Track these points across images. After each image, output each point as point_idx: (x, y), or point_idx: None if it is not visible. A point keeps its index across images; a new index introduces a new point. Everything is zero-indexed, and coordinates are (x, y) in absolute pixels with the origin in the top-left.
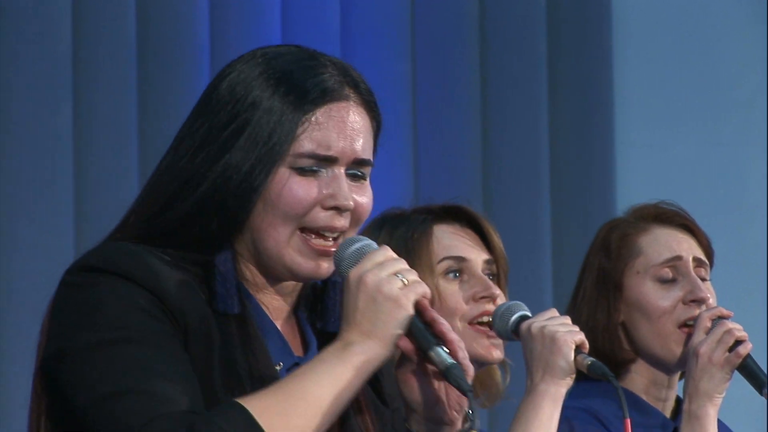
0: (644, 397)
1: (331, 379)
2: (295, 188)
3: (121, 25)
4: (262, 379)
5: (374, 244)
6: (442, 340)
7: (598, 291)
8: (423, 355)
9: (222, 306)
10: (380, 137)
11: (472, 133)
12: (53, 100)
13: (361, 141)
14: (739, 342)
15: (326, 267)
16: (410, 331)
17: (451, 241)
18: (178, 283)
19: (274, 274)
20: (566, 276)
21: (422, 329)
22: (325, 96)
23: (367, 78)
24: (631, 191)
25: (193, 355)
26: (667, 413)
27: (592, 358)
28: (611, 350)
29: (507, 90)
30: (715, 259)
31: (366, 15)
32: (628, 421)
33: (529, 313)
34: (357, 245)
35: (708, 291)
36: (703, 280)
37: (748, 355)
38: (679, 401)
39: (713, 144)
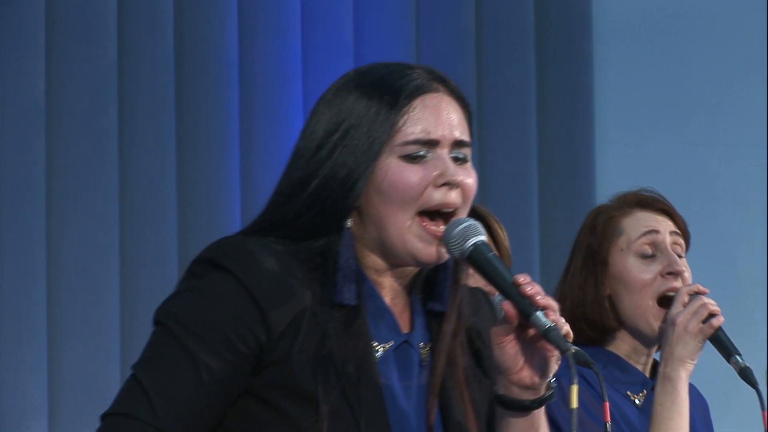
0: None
1: None
2: (407, 173)
3: (159, 38)
4: (358, 369)
5: (478, 224)
6: (538, 306)
7: (587, 267)
8: (525, 319)
9: (339, 298)
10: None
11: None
12: (100, 104)
13: (458, 125)
14: (712, 315)
15: (445, 252)
16: (513, 298)
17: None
18: (284, 278)
19: (396, 261)
20: (553, 264)
21: (523, 297)
22: (417, 90)
23: None
24: (611, 187)
25: (278, 349)
26: (646, 374)
27: (575, 347)
28: (600, 320)
29: (499, 96)
30: (688, 255)
31: (377, 33)
32: (607, 404)
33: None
34: (463, 224)
35: (684, 266)
36: (680, 257)
37: (720, 328)
38: (655, 364)
39: (686, 144)
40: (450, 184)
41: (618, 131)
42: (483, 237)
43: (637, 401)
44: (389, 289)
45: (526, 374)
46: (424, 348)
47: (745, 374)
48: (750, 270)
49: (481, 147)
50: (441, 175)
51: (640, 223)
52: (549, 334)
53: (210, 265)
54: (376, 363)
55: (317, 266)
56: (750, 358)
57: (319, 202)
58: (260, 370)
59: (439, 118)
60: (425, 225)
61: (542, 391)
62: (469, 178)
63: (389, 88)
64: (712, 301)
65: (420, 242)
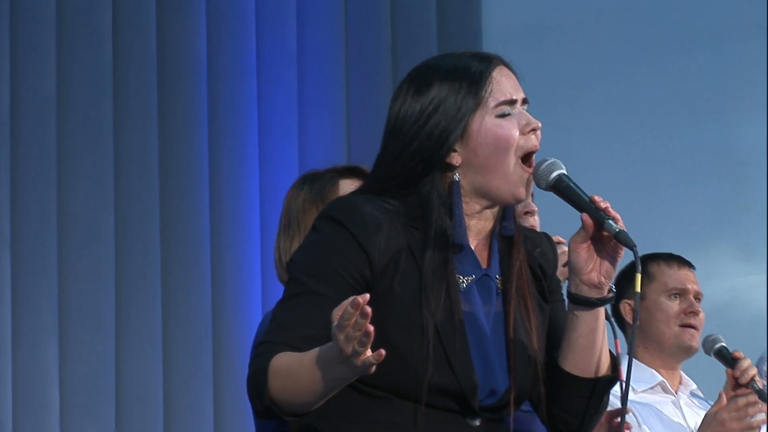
0: None
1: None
2: (506, 126)
3: (144, 44)
4: (449, 291)
5: (558, 160)
6: (610, 216)
7: None
8: (600, 226)
9: (458, 239)
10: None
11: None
12: (98, 97)
13: (520, 87)
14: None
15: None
16: (590, 211)
17: (351, 190)
18: (383, 226)
19: (494, 202)
20: None
21: (598, 210)
22: (490, 66)
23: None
24: None
25: (382, 282)
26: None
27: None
28: None
29: None
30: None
31: (313, 40)
32: (618, 341)
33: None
34: (547, 161)
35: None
36: (531, 211)
37: None
38: None
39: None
40: (534, 130)
41: None
42: (564, 169)
43: None
44: (474, 231)
45: (595, 275)
46: (499, 279)
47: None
48: None
49: None
50: (527, 124)
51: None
52: (619, 236)
53: (328, 220)
54: (460, 293)
55: (415, 217)
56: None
57: (420, 156)
58: (370, 300)
59: (512, 83)
60: (523, 167)
61: (605, 292)
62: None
63: (467, 69)
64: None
65: (520, 181)
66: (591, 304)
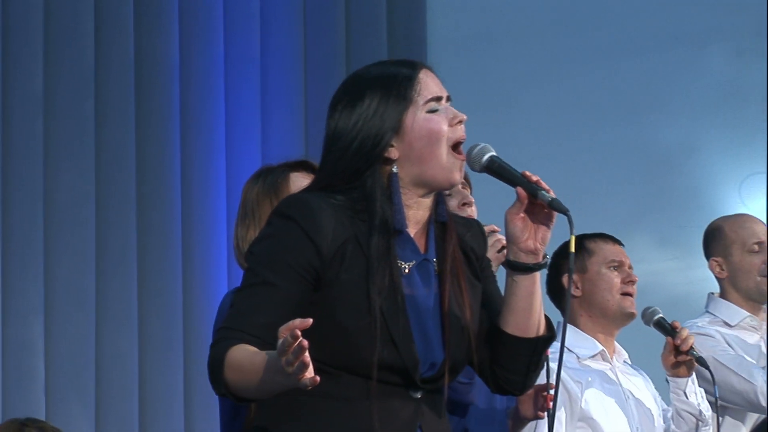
0: None
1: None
2: (436, 120)
3: (122, 49)
4: (392, 276)
5: (487, 144)
6: (542, 187)
7: None
8: (533, 197)
9: (399, 225)
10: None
11: None
12: (81, 95)
13: (442, 85)
14: (504, 248)
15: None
16: (523, 185)
17: (302, 183)
18: (331, 219)
19: (431, 189)
20: None
21: (530, 183)
22: (416, 69)
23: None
24: None
25: (331, 269)
26: None
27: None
28: None
29: None
30: None
31: (275, 46)
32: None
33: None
34: (478, 147)
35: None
36: (468, 203)
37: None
38: None
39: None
40: (461, 121)
41: None
42: (494, 152)
43: None
44: (413, 221)
45: (531, 242)
46: (435, 262)
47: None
48: None
49: None
50: (454, 117)
51: None
52: (553, 203)
53: (281, 216)
54: (402, 277)
55: (360, 209)
56: None
57: (360, 154)
58: (320, 287)
59: (436, 83)
60: (455, 154)
61: (540, 258)
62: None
63: (396, 74)
64: (502, 238)
65: (453, 167)
66: (529, 269)
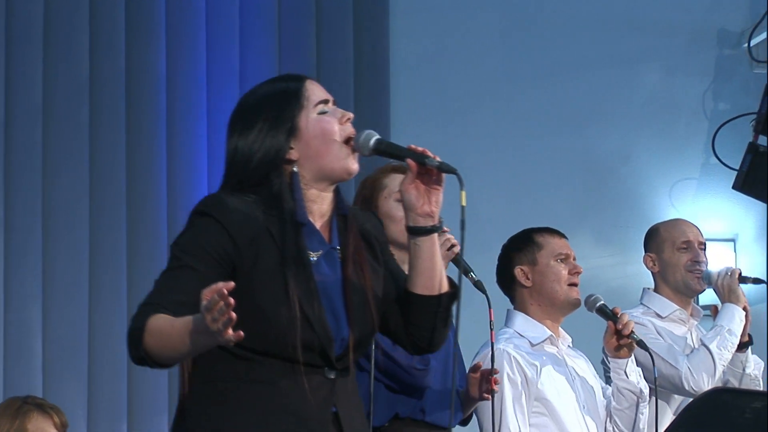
0: None
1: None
2: (327, 119)
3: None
4: (303, 265)
5: (371, 130)
6: (427, 155)
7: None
8: (422, 165)
9: (300, 218)
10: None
11: None
12: (76, 103)
13: (325, 90)
14: (453, 245)
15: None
16: (411, 155)
17: None
18: (243, 213)
19: (332, 181)
20: None
21: (417, 153)
22: (301, 79)
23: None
24: None
25: (246, 258)
26: None
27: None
28: None
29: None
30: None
31: (255, 59)
32: (491, 310)
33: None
34: (363, 134)
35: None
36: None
37: (457, 254)
38: None
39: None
40: (349, 119)
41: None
42: (378, 135)
43: None
44: (318, 214)
45: (426, 206)
46: (339, 250)
47: (479, 287)
48: None
49: None
50: (343, 116)
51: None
52: (441, 167)
53: (199, 214)
54: (312, 266)
55: (272, 206)
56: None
57: (264, 162)
58: (237, 276)
59: (321, 89)
60: (347, 147)
61: (436, 221)
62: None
63: (285, 87)
64: (452, 237)
65: (348, 158)
66: (427, 231)
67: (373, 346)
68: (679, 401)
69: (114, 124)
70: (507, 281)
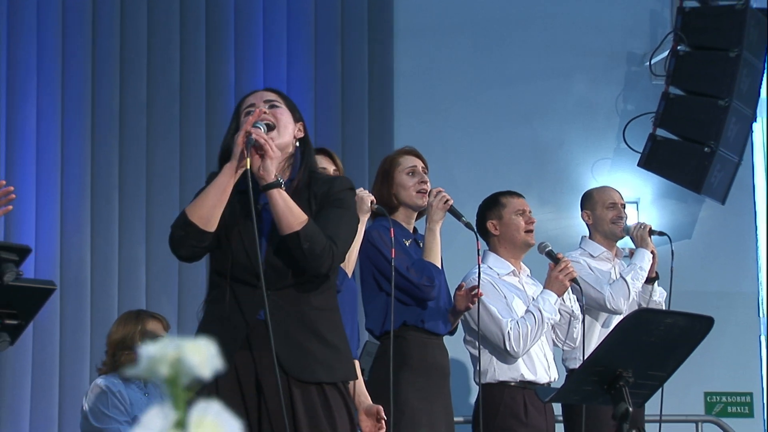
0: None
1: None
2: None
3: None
4: (251, 212)
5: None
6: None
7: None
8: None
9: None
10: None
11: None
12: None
13: (267, 94)
14: (447, 200)
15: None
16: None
17: (321, 164)
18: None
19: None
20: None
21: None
22: (246, 95)
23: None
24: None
25: (226, 209)
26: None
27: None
28: (388, 203)
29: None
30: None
31: (253, 67)
32: (479, 242)
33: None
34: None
35: (427, 180)
36: (424, 182)
37: (452, 206)
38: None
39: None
40: (254, 108)
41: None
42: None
43: (407, 243)
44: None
45: (260, 173)
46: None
47: (470, 227)
48: None
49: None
50: (253, 105)
51: (408, 160)
52: (249, 141)
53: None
54: (260, 213)
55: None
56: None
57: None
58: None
59: (255, 97)
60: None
61: (272, 179)
62: (273, 111)
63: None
64: (444, 192)
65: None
66: (264, 188)
67: (393, 270)
68: (605, 317)
69: (197, 118)
70: (482, 231)
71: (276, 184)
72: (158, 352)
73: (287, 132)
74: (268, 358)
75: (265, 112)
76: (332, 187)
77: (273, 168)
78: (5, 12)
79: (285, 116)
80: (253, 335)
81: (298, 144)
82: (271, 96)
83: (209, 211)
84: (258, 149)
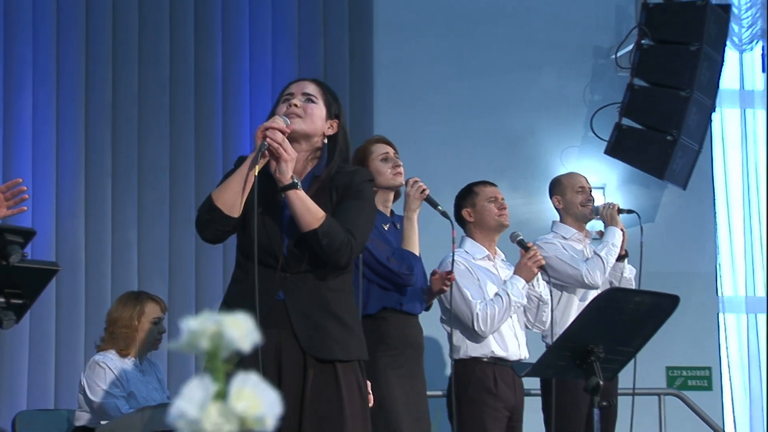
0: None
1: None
2: (281, 106)
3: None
4: (276, 203)
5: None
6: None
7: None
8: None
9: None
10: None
11: None
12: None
13: (306, 86)
14: (424, 189)
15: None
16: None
17: (381, 150)
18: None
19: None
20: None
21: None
22: (292, 82)
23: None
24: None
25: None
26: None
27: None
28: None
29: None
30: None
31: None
32: (454, 231)
33: None
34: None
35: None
36: (398, 165)
37: (428, 195)
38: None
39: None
40: (291, 97)
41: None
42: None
43: (386, 227)
44: (296, 172)
45: (275, 173)
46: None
47: (445, 215)
48: None
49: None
50: (291, 95)
51: (380, 147)
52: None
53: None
54: (281, 203)
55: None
56: None
57: None
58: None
59: (297, 86)
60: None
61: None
62: (306, 105)
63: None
64: (421, 182)
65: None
66: (283, 189)
67: (361, 258)
68: (582, 293)
69: (185, 108)
70: (459, 219)
71: (292, 186)
72: (199, 327)
73: (313, 123)
74: (287, 335)
75: (296, 105)
76: (354, 179)
77: (289, 170)
78: (1, 8)
79: (316, 111)
80: (272, 314)
81: (326, 141)
82: (311, 89)
83: (233, 197)
84: (272, 153)
